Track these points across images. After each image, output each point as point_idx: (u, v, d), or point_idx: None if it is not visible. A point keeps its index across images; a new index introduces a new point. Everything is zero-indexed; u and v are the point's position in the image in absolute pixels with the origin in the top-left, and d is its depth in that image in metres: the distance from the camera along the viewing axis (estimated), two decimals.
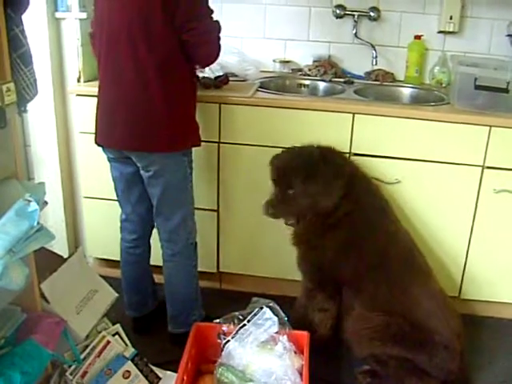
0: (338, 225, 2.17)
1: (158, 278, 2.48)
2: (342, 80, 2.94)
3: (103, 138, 2.20)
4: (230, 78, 2.72)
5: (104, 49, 2.09)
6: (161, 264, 2.40)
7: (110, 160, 2.28)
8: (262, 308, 2.09)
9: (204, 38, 2.05)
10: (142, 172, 2.20)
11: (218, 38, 2.14)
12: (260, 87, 2.72)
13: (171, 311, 2.42)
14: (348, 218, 2.16)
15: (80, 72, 2.70)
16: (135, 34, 1.99)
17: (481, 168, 2.44)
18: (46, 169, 2.89)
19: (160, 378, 2.10)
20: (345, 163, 2.24)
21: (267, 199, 2.19)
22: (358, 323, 2.16)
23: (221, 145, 2.58)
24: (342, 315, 2.28)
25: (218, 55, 2.18)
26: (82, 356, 1.98)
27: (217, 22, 2.13)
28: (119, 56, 2.04)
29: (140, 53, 2.00)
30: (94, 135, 2.23)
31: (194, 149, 2.29)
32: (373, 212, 2.21)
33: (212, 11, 2.11)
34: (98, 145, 2.23)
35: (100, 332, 2.06)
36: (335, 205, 2.13)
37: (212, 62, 2.22)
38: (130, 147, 2.15)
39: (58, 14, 2.66)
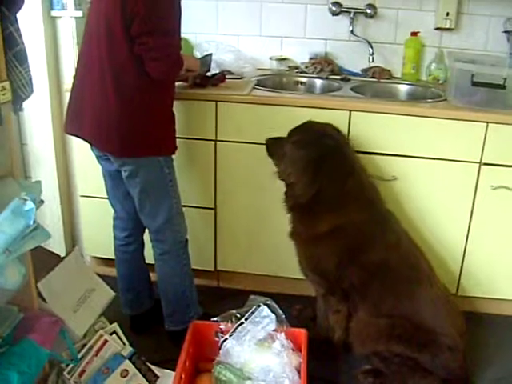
0: (331, 235, 2.17)
1: (155, 276, 2.48)
2: (338, 77, 2.94)
3: (72, 128, 2.21)
4: (227, 76, 2.71)
5: (83, 46, 2.14)
6: None
7: (96, 158, 2.28)
8: (259, 306, 2.09)
9: (154, 54, 1.96)
10: (121, 171, 2.19)
11: (173, 56, 2.04)
12: (257, 85, 2.71)
13: (166, 309, 2.42)
14: (341, 230, 2.16)
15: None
16: (101, 36, 2.00)
17: (478, 164, 2.44)
18: (43, 167, 2.88)
19: (158, 377, 2.09)
20: (351, 169, 2.19)
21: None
22: (363, 325, 2.17)
23: (217, 143, 2.57)
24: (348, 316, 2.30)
25: (171, 73, 2.09)
26: (80, 355, 1.98)
27: (177, 39, 2.08)
28: (90, 55, 2.07)
29: (103, 55, 2.01)
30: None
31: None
32: (370, 226, 2.19)
33: (177, 29, 2.05)
34: (68, 133, 2.25)
35: (97, 331, 2.06)
36: (313, 198, 2.13)
37: (165, 78, 2.08)
38: (95, 144, 2.17)
39: (53, 13, 2.66)
